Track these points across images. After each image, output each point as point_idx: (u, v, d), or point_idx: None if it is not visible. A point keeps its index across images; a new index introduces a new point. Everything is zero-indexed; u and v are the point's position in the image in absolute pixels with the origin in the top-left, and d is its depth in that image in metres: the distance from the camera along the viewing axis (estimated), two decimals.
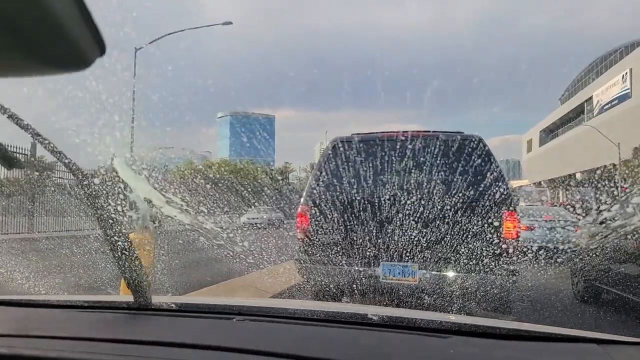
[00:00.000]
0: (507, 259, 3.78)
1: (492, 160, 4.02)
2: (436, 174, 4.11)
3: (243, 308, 1.06)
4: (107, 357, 0.78)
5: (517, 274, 3.82)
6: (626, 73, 36.65)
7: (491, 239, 3.74)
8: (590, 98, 44.04)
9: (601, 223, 5.66)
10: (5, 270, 6.90)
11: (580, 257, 6.13)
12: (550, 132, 55.58)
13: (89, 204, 0.90)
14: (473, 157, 3.99)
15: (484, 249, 3.71)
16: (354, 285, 3.84)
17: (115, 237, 0.94)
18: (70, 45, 0.37)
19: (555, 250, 9.82)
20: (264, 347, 0.80)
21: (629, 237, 4.99)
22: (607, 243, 5.39)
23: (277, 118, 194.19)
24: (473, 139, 4.16)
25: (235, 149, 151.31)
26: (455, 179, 4.02)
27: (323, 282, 3.95)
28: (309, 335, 0.92)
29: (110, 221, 0.90)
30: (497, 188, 3.87)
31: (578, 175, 46.83)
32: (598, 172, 41.93)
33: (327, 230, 4.04)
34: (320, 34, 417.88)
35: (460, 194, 3.88)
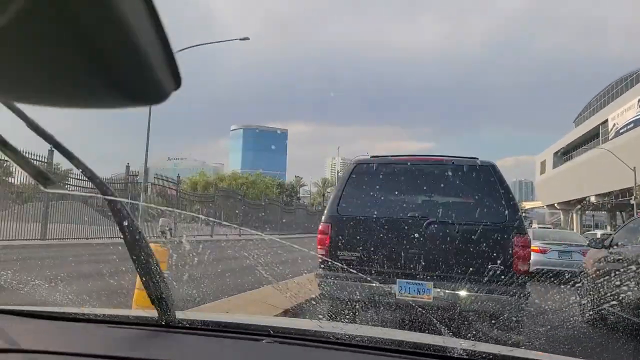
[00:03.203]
0: (518, 280, 3.90)
1: (504, 186, 4.23)
2: (451, 197, 4.45)
3: (272, 328, 1.01)
4: None
5: (528, 296, 3.95)
6: None
7: (503, 261, 3.88)
8: (606, 121, 43.59)
9: (607, 247, 5.79)
10: (17, 278, 6.99)
11: (588, 280, 6.18)
12: (564, 155, 54.97)
13: (112, 212, 0.85)
14: (486, 183, 4.23)
15: (495, 270, 3.86)
16: (371, 301, 4.10)
17: (139, 248, 0.89)
18: (152, 81, 0.37)
19: (566, 273, 10.01)
20: None
21: (628, 260, 5.08)
22: (612, 267, 5.48)
23: (290, 132, 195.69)
24: (486, 165, 4.37)
25: (247, 162, 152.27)
26: (468, 203, 4.31)
27: (341, 296, 4.18)
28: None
29: (133, 229, 0.87)
30: (510, 212, 4.07)
31: (592, 199, 46.07)
32: (613, 196, 41.23)
33: (346, 247, 4.26)
34: (334, 50, 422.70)
35: (474, 217, 4.09)
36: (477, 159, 4.64)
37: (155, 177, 21.80)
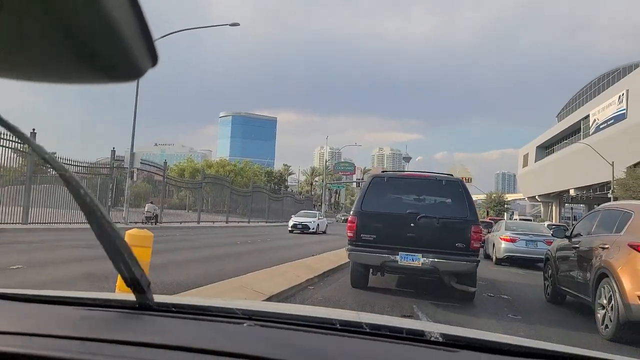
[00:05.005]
0: (473, 253, 5.98)
1: (467, 193, 6.28)
2: (434, 200, 6.51)
3: (254, 312, 1.02)
4: (107, 358, 0.75)
5: (478, 262, 6.07)
6: (623, 94, 37.03)
7: (464, 241, 5.91)
8: (587, 116, 44.41)
9: (568, 237, 6.42)
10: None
11: (549, 265, 7.00)
12: (546, 148, 55.90)
13: (74, 194, 0.79)
14: (456, 191, 6.28)
15: (459, 246, 5.92)
16: (382, 265, 6.16)
17: (108, 232, 0.84)
18: (127, 56, 0.36)
19: (531, 259, 11.89)
20: (277, 355, 0.78)
21: (581, 248, 5.79)
22: (570, 254, 6.21)
23: (279, 120, 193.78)
24: (456, 180, 6.60)
25: (235, 149, 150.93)
26: (445, 204, 6.40)
27: (363, 262, 6.40)
28: (321, 343, 0.92)
29: (99, 214, 0.82)
30: (470, 211, 6.12)
31: (572, 192, 47.13)
32: (591, 189, 42.24)
33: (367, 231, 6.23)
34: (325, 40, 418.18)
35: (447, 213, 6.17)
36: (452, 175, 6.95)
37: (142, 162, 21.52)
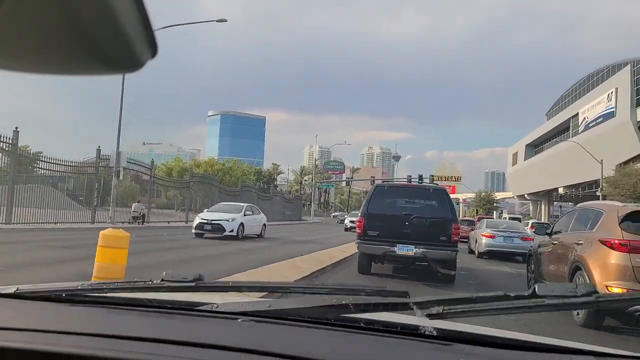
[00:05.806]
0: (453, 244, 7.67)
1: (449, 199, 8.19)
2: (424, 204, 8.16)
3: (247, 308, 1.01)
4: (104, 352, 0.76)
5: (457, 251, 7.78)
6: (612, 92, 37.43)
7: (446, 235, 7.61)
8: (576, 115, 44.84)
9: (548, 234, 6.87)
10: None
11: (532, 259, 7.61)
12: (535, 147, 56.37)
13: None
14: (440, 197, 8.05)
15: (442, 239, 7.59)
16: (383, 255, 7.78)
17: None
18: (127, 46, 0.36)
19: (508, 252, 13.75)
20: (272, 349, 0.79)
21: (559, 244, 6.26)
22: (548, 249, 6.68)
23: (268, 119, 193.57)
24: (441, 189, 8.66)
25: (224, 148, 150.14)
26: (433, 207, 8.01)
27: (368, 252, 7.99)
28: (318, 338, 0.93)
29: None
30: (451, 212, 8.00)
31: (561, 190, 47.58)
32: (580, 188, 42.67)
33: (372, 228, 7.84)
34: (315, 39, 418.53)
35: (434, 214, 7.86)
36: (437, 184, 11.05)
37: (128, 161, 21.15)
